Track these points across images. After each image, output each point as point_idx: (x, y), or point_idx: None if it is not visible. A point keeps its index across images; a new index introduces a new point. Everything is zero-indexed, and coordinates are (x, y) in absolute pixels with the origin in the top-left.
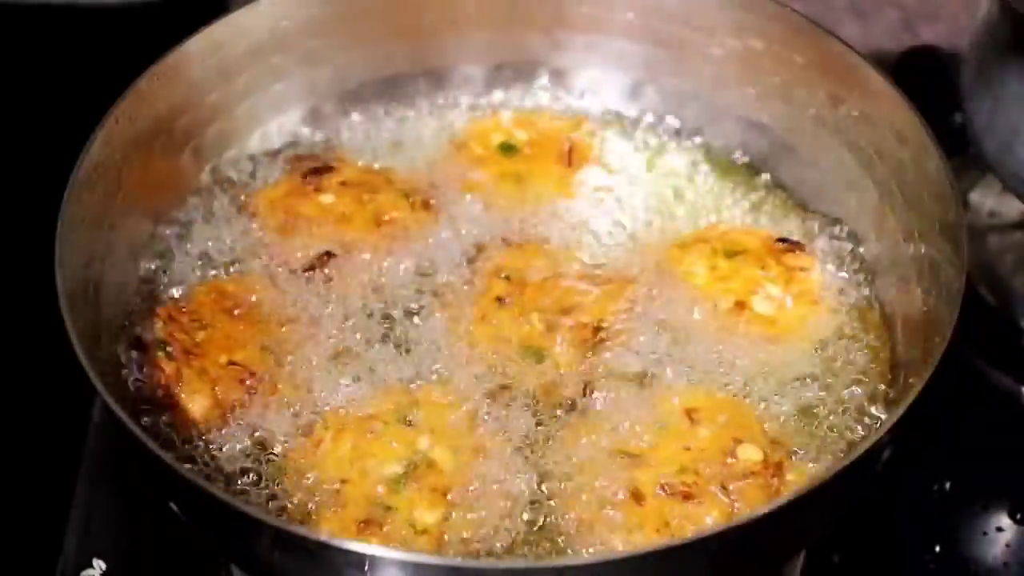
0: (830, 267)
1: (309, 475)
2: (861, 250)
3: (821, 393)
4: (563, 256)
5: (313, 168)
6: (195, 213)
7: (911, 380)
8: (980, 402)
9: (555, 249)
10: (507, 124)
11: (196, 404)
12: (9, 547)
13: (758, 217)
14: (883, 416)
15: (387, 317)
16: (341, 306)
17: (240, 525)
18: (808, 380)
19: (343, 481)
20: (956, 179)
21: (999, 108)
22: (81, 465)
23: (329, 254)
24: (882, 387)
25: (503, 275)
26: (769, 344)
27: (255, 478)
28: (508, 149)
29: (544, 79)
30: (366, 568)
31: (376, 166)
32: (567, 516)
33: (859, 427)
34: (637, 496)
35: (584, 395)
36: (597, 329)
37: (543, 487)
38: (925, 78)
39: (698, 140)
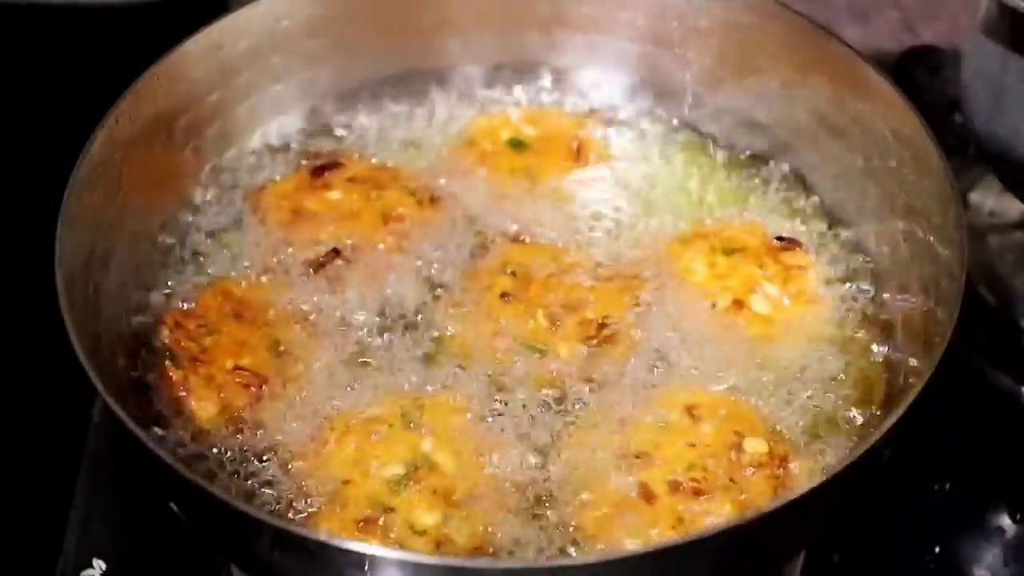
0: (829, 266)
1: (312, 476)
2: (860, 249)
3: (820, 392)
4: (568, 252)
5: (321, 164)
6: (197, 213)
7: (911, 380)
8: (980, 402)
9: (560, 245)
10: (516, 120)
11: (202, 410)
12: (9, 547)
13: (757, 215)
14: (882, 416)
15: (393, 316)
16: (348, 305)
17: (240, 525)
18: (807, 379)
19: (345, 482)
20: (956, 179)
21: (999, 108)
22: (81, 465)
23: (336, 251)
24: (881, 387)
25: (509, 271)
26: (767, 343)
27: (257, 479)
28: (517, 145)
29: (544, 79)
30: (366, 568)
31: (383, 163)
32: (576, 517)
33: (859, 427)
34: (648, 495)
35: (587, 393)
36: (601, 326)
37: (549, 488)
38: (925, 78)
39: (698, 140)
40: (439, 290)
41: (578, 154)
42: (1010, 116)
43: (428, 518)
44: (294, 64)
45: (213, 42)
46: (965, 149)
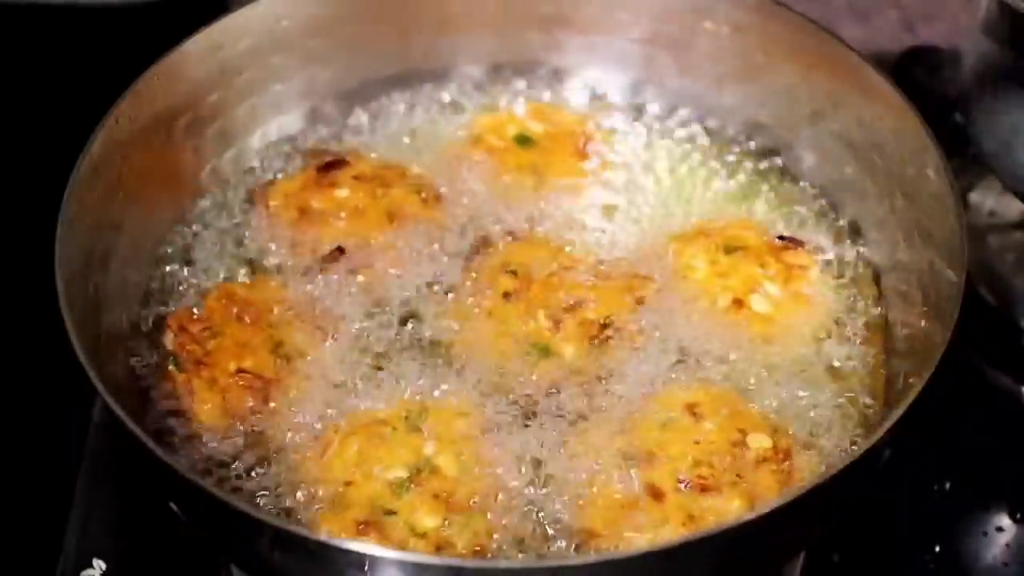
0: (829, 266)
1: (314, 477)
2: (861, 250)
3: (820, 391)
4: (569, 250)
5: (328, 162)
6: (197, 213)
7: (911, 380)
8: (980, 402)
9: (563, 243)
10: (522, 116)
11: (205, 413)
12: (9, 547)
13: (758, 213)
14: (882, 416)
15: (395, 316)
16: (352, 305)
17: (240, 525)
18: (807, 378)
19: (347, 483)
20: (956, 179)
21: (999, 108)
22: (81, 465)
23: (341, 250)
24: (881, 387)
25: (509, 269)
26: (768, 341)
27: (258, 479)
28: (524, 141)
29: (544, 79)
30: (366, 568)
31: (388, 161)
32: (582, 518)
33: (858, 427)
34: (656, 493)
35: (589, 394)
36: (603, 326)
37: (553, 490)
38: (925, 78)
39: (698, 139)
40: (441, 290)
41: (584, 150)
42: (1010, 116)
43: (429, 521)
44: (294, 64)
45: (213, 42)
46: (965, 149)
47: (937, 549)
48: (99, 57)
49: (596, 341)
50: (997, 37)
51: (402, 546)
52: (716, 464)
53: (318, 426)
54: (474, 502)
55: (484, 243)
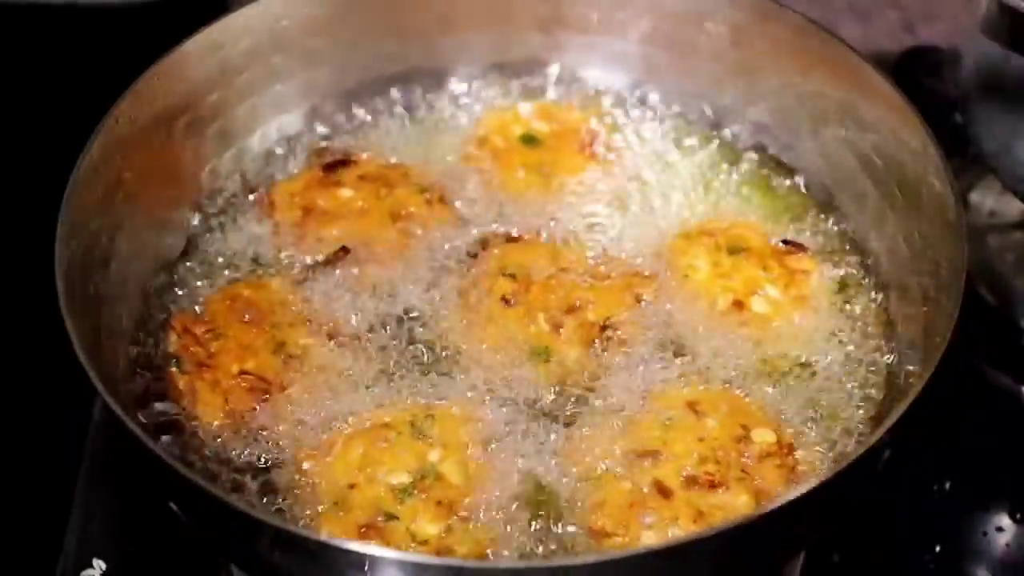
0: (829, 266)
1: (316, 478)
2: (860, 249)
3: (820, 390)
4: (571, 250)
5: (333, 161)
6: (197, 213)
7: (911, 380)
8: (980, 402)
9: (565, 243)
10: (527, 115)
11: (207, 414)
12: (9, 547)
13: (758, 213)
14: (882, 415)
15: (396, 319)
16: (355, 307)
17: (240, 525)
18: (806, 377)
19: (350, 486)
20: (956, 179)
21: (999, 108)
22: (81, 465)
23: (345, 250)
24: (882, 387)
25: (508, 272)
26: (767, 342)
27: (259, 480)
28: (530, 140)
29: (544, 79)
30: (366, 568)
31: (393, 161)
32: (591, 519)
33: (859, 427)
34: (663, 491)
35: (591, 396)
36: (604, 328)
37: (562, 492)
38: (925, 78)
39: (698, 139)
40: (443, 292)
41: (588, 149)
42: (1010, 116)
43: (431, 528)
44: (294, 64)
45: (213, 42)
46: (965, 149)
47: (937, 549)
48: (99, 57)
49: (596, 343)
50: (997, 37)
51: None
52: (721, 460)
53: (321, 428)
54: (478, 510)
55: (485, 245)
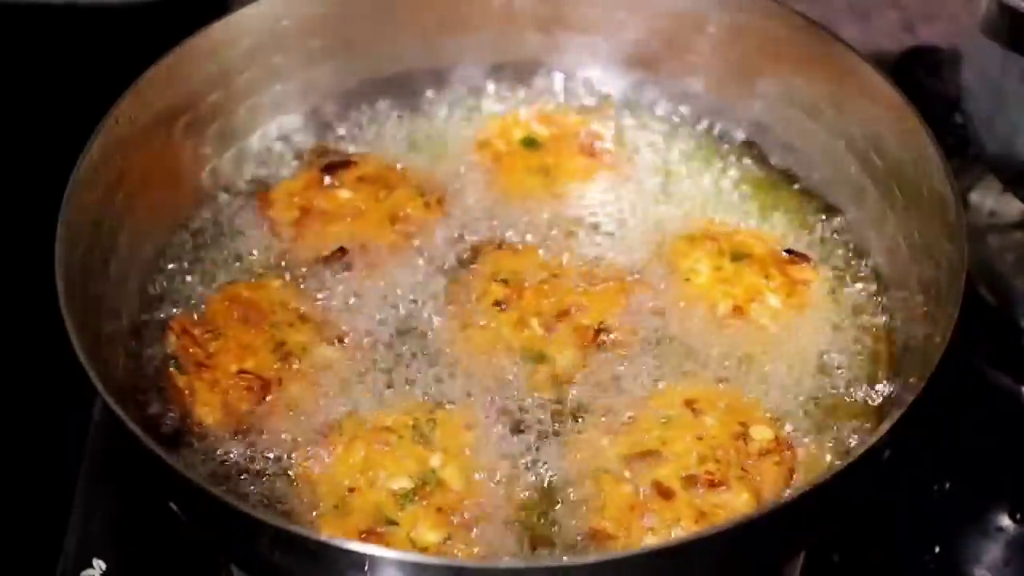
0: (829, 266)
1: (316, 481)
2: (860, 249)
3: (819, 390)
4: (567, 254)
5: (332, 162)
6: (197, 213)
7: (911, 380)
8: (980, 402)
9: (562, 246)
10: (527, 118)
11: (206, 414)
12: (9, 547)
13: (758, 214)
14: (883, 416)
15: (392, 322)
16: (353, 308)
17: (240, 525)
18: (805, 377)
19: (351, 489)
20: (956, 179)
21: (999, 108)
22: (81, 465)
23: (343, 250)
24: (881, 388)
25: (500, 278)
26: (765, 345)
27: (258, 481)
28: (530, 143)
29: (545, 79)
30: (366, 568)
31: (392, 163)
32: (593, 522)
33: (859, 427)
34: (664, 492)
35: (588, 399)
36: (598, 331)
37: (563, 497)
38: (925, 78)
39: (698, 139)
40: (439, 296)
41: (589, 152)
42: (1010, 116)
43: (431, 535)
44: (294, 64)
45: (213, 42)
46: (965, 149)
47: (937, 549)
48: (99, 57)
49: (592, 346)
50: (997, 37)
51: None
52: (721, 459)
53: (320, 428)
54: (478, 517)
55: (481, 248)
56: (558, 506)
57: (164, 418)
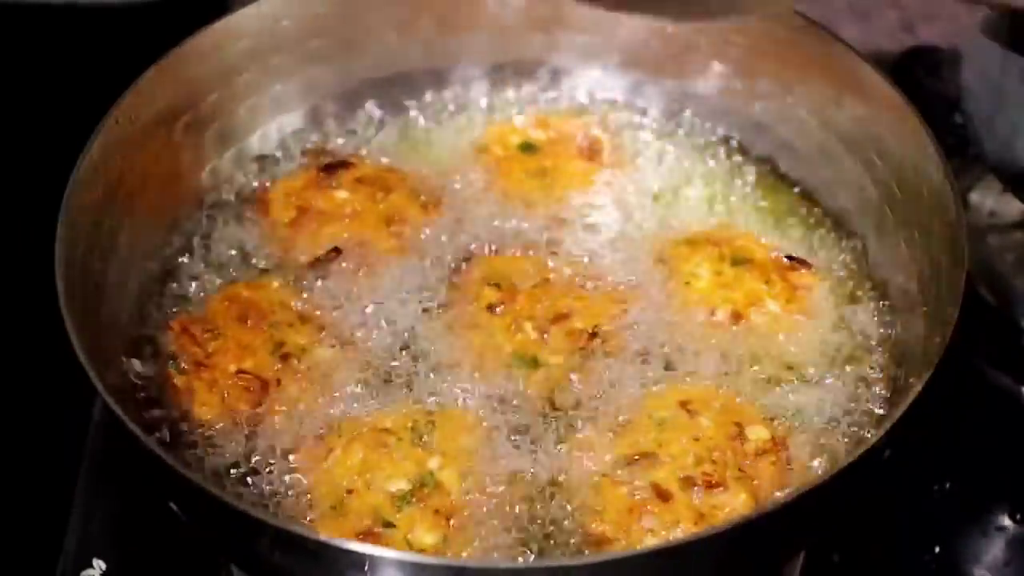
0: (829, 267)
1: (314, 481)
2: (860, 249)
3: (819, 390)
4: (564, 256)
5: (331, 163)
6: (197, 212)
7: (911, 380)
8: (980, 402)
9: (558, 249)
10: (524, 124)
11: (205, 414)
12: (9, 547)
13: (758, 217)
14: (883, 416)
15: (387, 325)
16: (351, 309)
17: (240, 525)
18: (804, 376)
19: (348, 491)
20: (956, 179)
21: (999, 108)
22: (81, 465)
23: (338, 250)
24: (881, 388)
25: (492, 282)
26: (764, 347)
27: (259, 481)
28: (528, 147)
29: (545, 79)
30: (366, 568)
31: (391, 165)
32: (591, 525)
33: (858, 427)
34: (662, 494)
35: (584, 402)
36: (592, 335)
37: (561, 500)
38: (925, 78)
39: (698, 140)
40: (434, 299)
41: (588, 155)
42: (1010, 116)
43: (428, 538)
44: (294, 64)
45: (213, 42)
46: (965, 149)
47: (937, 549)
48: (99, 57)
49: (586, 350)
50: (997, 37)
51: None
52: (718, 460)
53: (318, 429)
54: (476, 519)
55: (478, 251)
56: (555, 509)
57: (164, 418)
